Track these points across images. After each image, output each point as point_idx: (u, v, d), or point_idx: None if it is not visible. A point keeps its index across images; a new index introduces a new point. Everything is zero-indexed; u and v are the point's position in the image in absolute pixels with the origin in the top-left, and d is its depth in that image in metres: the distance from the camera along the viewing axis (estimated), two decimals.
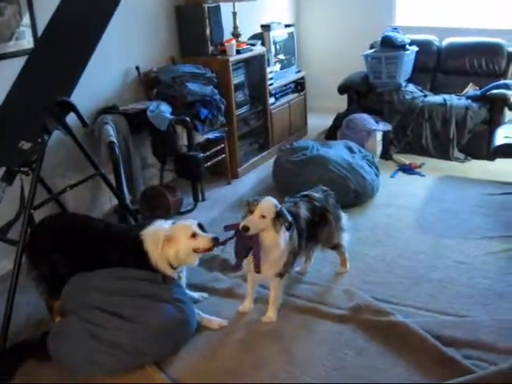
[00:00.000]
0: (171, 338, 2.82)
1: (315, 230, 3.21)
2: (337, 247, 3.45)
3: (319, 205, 3.25)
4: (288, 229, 2.88)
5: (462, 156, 5.43)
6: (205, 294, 3.32)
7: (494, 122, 5.32)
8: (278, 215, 2.85)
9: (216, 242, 2.95)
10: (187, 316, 2.90)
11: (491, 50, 5.86)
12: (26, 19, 3.71)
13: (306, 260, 3.51)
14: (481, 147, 5.36)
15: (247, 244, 2.84)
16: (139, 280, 2.93)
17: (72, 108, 3.20)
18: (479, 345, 2.75)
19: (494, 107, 5.35)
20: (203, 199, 4.74)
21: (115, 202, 4.27)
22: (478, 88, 5.72)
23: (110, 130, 4.03)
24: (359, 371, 2.65)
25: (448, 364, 2.60)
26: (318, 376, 2.64)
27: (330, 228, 3.30)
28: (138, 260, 2.94)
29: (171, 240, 2.89)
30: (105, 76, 4.32)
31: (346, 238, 3.44)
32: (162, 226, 2.99)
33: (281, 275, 3.04)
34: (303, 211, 3.14)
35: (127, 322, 2.73)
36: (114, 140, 4.00)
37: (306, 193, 3.36)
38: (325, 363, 2.71)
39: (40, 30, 3.63)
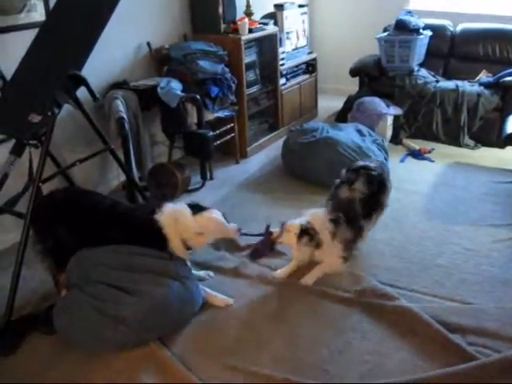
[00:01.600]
0: (175, 315, 2.83)
1: (376, 200, 3.46)
2: None
3: (376, 173, 3.47)
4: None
5: (472, 143, 5.39)
6: (211, 273, 3.32)
7: (505, 109, 5.26)
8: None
9: (240, 232, 3.17)
10: (192, 294, 2.92)
11: (506, 37, 5.77)
12: None
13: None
14: (492, 135, 5.32)
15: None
16: (145, 256, 2.93)
17: (83, 82, 3.18)
18: (484, 332, 2.75)
19: (506, 95, 5.29)
20: (211, 178, 4.73)
21: (123, 178, 4.28)
22: (490, 75, 5.66)
23: (120, 105, 4.01)
24: (363, 355, 2.65)
25: (452, 350, 2.61)
26: (321, 358, 2.64)
27: (388, 194, 3.58)
28: (150, 242, 2.95)
29: (202, 234, 2.95)
30: (116, 51, 4.30)
31: None
32: (183, 213, 3.00)
33: (345, 259, 3.28)
34: (360, 188, 3.36)
35: (132, 296, 2.72)
36: (124, 116, 3.98)
37: (362, 164, 3.57)
38: (329, 345, 2.72)
39: (52, 2, 3.60)
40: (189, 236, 2.95)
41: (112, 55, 4.25)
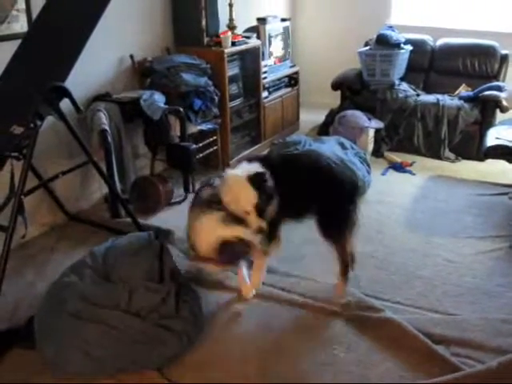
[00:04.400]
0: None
1: None
2: None
3: None
4: None
5: (452, 156, 5.46)
6: None
7: (485, 123, 5.35)
8: None
9: None
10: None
11: (484, 52, 5.88)
12: (21, 3, 3.66)
13: None
14: (472, 148, 5.40)
15: None
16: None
17: (66, 93, 3.17)
18: (467, 343, 2.77)
19: (485, 108, 5.38)
20: (194, 191, 4.70)
21: (105, 190, 4.25)
22: (470, 89, 5.75)
23: (103, 117, 3.99)
24: (348, 366, 2.65)
25: (437, 361, 2.62)
26: (306, 370, 2.63)
27: None
28: None
29: None
30: (99, 63, 4.28)
31: None
32: None
33: None
34: None
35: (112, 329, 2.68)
36: (107, 128, 3.96)
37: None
38: (314, 358, 2.71)
39: (35, 14, 3.58)
40: None
41: (95, 67, 4.23)
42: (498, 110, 5.35)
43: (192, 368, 2.66)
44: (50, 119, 3.28)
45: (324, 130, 5.88)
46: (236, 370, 2.64)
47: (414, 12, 6.63)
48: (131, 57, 4.58)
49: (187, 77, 4.51)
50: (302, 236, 3.91)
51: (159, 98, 4.30)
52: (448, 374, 2.50)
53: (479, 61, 5.88)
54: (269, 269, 3.45)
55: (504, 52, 5.83)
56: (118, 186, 4.15)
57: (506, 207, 4.29)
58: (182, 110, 4.35)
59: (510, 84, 5.67)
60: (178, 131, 4.41)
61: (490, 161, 4.98)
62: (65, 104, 3.27)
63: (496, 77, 5.85)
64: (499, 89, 5.43)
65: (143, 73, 4.62)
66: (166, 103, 4.33)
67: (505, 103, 5.23)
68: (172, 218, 4.19)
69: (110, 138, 3.96)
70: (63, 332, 2.68)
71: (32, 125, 2.98)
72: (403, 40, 5.89)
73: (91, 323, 2.68)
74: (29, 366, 2.69)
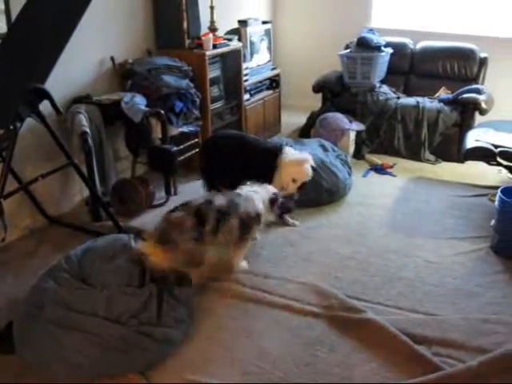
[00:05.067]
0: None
1: None
2: None
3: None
4: None
5: (432, 158, 5.50)
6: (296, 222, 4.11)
7: (464, 125, 5.41)
8: None
9: None
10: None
11: (464, 55, 5.93)
12: (0, 4, 3.62)
13: None
14: (451, 150, 5.44)
15: None
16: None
17: (46, 95, 3.15)
18: (448, 343, 2.79)
19: (465, 111, 5.43)
20: (175, 193, 4.69)
21: (86, 193, 4.22)
22: (450, 92, 5.80)
23: (83, 119, 3.96)
24: (331, 367, 2.65)
25: (418, 361, 2.63)
26: (289, 372, 2.63)
27: None
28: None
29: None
30: (79, 65, 4.25)
31: None
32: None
33: None
34: None
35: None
36: (87, 130, 3.94)
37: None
38: (297, 359, 2.71)
39: (14, 15, 3.55)
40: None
41: (75, 69, 4.21)
42: (477, 113, 5.41)
43: (174, 372, 2.65)
44: (29, 121, 3.25)
45: (305, 132, 5.89)
46: (219, 373, 2.63)
47: (394, 15, 6.68)
48: (112, 59, 4.56)
49: (168, 79, 4.50)
50: (283, 237, 3.93)
51: (140, 100, 4.28)
52: (430, 374, 2.52)
53: (458, 64, 5.94)
54: (250, 271, 3.46)
55: (483, 55, 5.90)
56: (99, 188, 4.13)
57: (485, 208, 4.33)
58: (163, 112, 4.34)
59: (488, 87, 5.74)
60: (160, 133, 4.39)
61: (469, 163, 5.03)
62: (45, 106, 3.24)
63: (475, 79, 5.91)
64: (478, 91, 5.49)
65: (124, 75, 4.60)
66: (147, 105, 4.31)
67: (484, 106, 5.28)
68: (153, 220, 4.15)
69: (90, 141, 3.94)
70: (41, 338, 2.65)
71: (11, 127, 2.96)
72: (383, 43, 5.93)
73: (69, 330, 2.65)
74: (8, 370, 2.66)
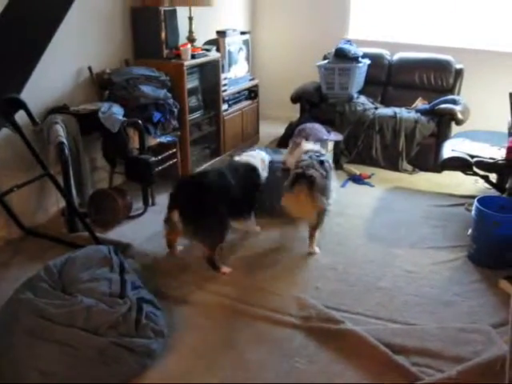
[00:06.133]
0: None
1: None
2: None
3: None
4: None
5: (410, 168, 5.54)
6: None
7: (441, 135, 5.46)
8: None
9: None
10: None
11: (440, 66, 6.00)
12: None
13: None
14: (428, 160, 5.49)
15: None
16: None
17: (22, 105, 3.12)
18: (427, 352, 2.80)
19: (441, 121, 5.48)
20: (153, 204, 4.66)
21: (62, 204, 4.17)
22: (426, 102, 5.86)
23: (60, 129, 3.92)
24: (310, 379, 2.64)
25: (397, 371, 2.64)
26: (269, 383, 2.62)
27: None
28: None
29: None
30: (56, 75, 4.21)
31: None
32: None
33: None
34: None
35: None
36: (64, 140, 3.89)
37: None
38: (277, 370, 2.70)
39: None
40: None
41: (52, 79, 4.17)
42: (453, 123, 5.46)
43: None
44: (5, 131, 3.21)
45: (283, 142, 5.89)
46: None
47: (372, 27, 6.75)
48: (89, 68, 4.52)
49: (146, 89, 4.48)
50: (263, 248, 3.92)
51: (118, 111, 4.25)
52: None
53: (435, 75, 6.00)
54: (231, 282, 3.45)
55: (459, 66, 5.97)
56: (76, 199, 4.09)
57: (462, 218, 4.37)
58: (140, 122, 4.31)
59: (464, 97, 5.81)
60: (137, 144, 4.36)
61: (446, 172, 5.05)
62: (21, 116, 3.20)
63: (451, 90, 5.98)
64: (454, 102, 5.55)
65: (102, 85, 4.57)
66: (124, 115, 4.28)
67: (460, 116, 5.34)
68: (131, 231, 4.14)
69: (67, 151, 3.89)
70: (17, 350, 2.59)
71: None
72: (361, 54, 5.98)
73: (46, 341, 2.61)
74: None
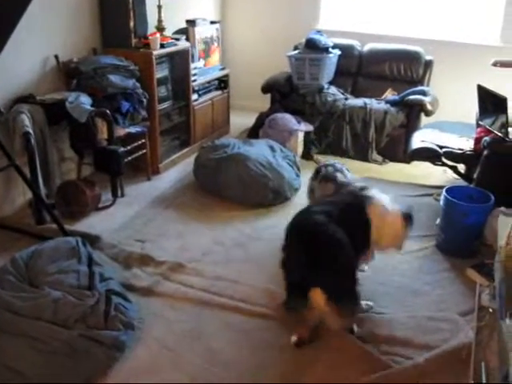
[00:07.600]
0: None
1: None
2: None
3: None
4: None
5: (380, 158, 5.58)
6: (370, 303, 3.13)
7: (410, 126, 5.50)
8: None
9: None
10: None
11: (410, 58, 6.03)
12: None
13: None
14: (398, 150, 5.53)
15: None
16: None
17: None
18: (396, 341, 2.84)
19: (411, 112, 5.52)
20: (122, 195, 4.61)
21: (29, 195, 4.09)
22: (396, 93, 5.89)
23: (26, 119, 3.84)
24: (281, 369, 2.65)
25: (367, 360, 2.66)
26: (242, 374, 2.62)
27: None
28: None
29: None
30: (22, 63, 4.12)
31: None
32: None
33: None
34: None
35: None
36: (30, 130, 3.82)
37: None
38: (249, 361, 2.70)
39: None
40: None
41: (17, 68, 4.08)
42: (422, 114, 5.51)
43: (122, 378, 2.59)
44: None
45: (254, 132, 5.87)
46: (168, 378, 2.59)
47: (342, 17, 6.74)
48: (56, 57, 4.44)
49: (114, 78, 4.42)
50: (232, 239, 3.90)
51: (85, 100, 4.19)
52: (378, 372, 2.55)
53: (405, 66, 6.03)
54: (199, 273, 3.43)
55: (428, 58, 6.01)
56: (43, 190, 4.02)
57: (431, 207, 4.41)
58: (109, 112, 4.25)
59: (433, 88, 5.86)
60: (106, 134, 4.29)
61: (415, 163, 5.12)
62: None
63: (421, 81, 6.02)
64: (424, 93, 5.60)
65: (69, 74, 4.48)
66: (92, 105, 4.21)
67: (429, 107, 5.38)
68: (100, 223, 4.09)
69: (33, 141, 3.82)
70: None
71: None
72: (331, 44, 5.98)
73: (13, 335, 2.57)
74: None
